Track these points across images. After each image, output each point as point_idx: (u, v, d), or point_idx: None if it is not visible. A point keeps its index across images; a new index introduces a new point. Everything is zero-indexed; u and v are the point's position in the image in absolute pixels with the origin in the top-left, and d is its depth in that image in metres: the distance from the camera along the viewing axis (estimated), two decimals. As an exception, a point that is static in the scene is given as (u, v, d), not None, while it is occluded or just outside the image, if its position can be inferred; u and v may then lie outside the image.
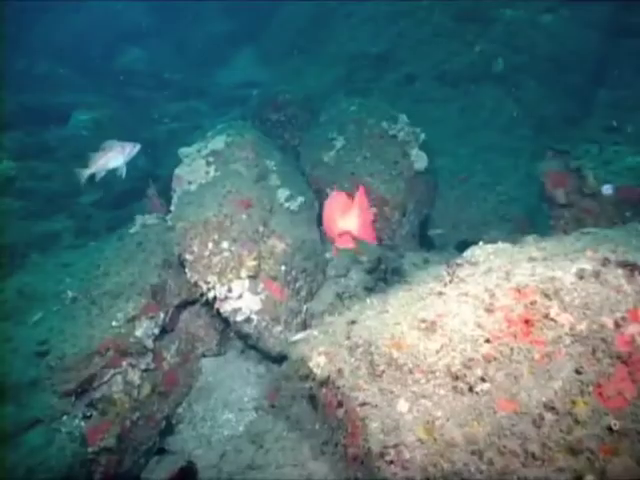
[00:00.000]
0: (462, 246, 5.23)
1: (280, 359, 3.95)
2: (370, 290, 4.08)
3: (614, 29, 8.07)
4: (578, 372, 1.77)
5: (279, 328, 3.75)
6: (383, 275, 4.33)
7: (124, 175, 3.88)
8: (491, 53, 7.68)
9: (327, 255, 4.33)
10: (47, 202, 7.01)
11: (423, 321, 1.97)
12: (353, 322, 2.37)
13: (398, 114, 5.20)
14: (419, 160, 4.85)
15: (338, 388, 2.25)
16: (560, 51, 7.62)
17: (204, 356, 4.38)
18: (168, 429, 3.96)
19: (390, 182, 4.72)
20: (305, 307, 3.95)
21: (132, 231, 4.35)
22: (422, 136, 5.05)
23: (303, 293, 3.95)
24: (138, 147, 3.91)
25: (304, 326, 3.93)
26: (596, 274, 1.91)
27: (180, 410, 4.14)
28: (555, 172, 3.93)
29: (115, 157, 3.81)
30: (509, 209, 5.31)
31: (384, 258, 4.42)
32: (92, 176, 3.90)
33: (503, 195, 5.46)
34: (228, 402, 4.14)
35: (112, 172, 3.88)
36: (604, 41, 7.90)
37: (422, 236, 5.13)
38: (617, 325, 1.77)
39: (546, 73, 7.32)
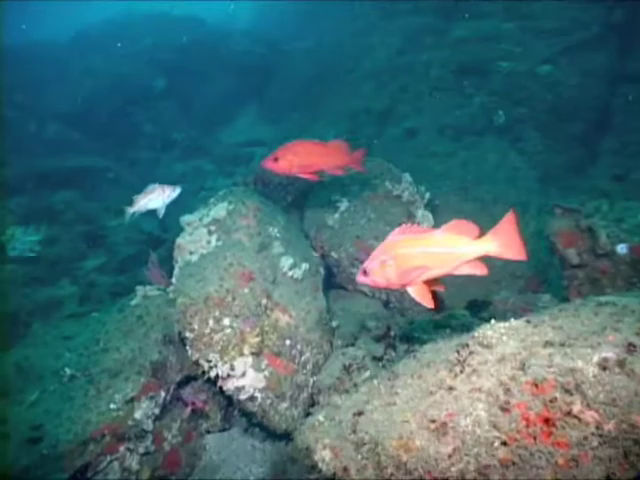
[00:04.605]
0: (472, 306, 5.07)
1: (286, 435, 3.76)
2: (379, 360, 3.91)
3: (614, 76, 8.12)
4: (610, 479, 1.59)
5: (285, 405, 3.57)
6: (392, 342, 4.16)
7: (161, 215, 4.04)
8: (491, 105, 7.73)
9: (334, 324, 4.18)
10: (51, 267, 6.98)
11: (433, 421, 1.81)
12: (359, 413, 2.21)
13: (402, 173, 5.15)
14: (425, 220, 4.76)
15: (345, 488, 2.07)
16: (560, 101, 7.66)
17: (208, 432, 4.19)
18: (169, 515, 3.74)
19: (396, 244, 4.59)
20: (312, 381, 3.77)
21: (133, 303, 4.24)
22: (427, 195, 4.98)
23: (309, 366, 3.78)
24: (178, 190, 4.03)
25: (311, 401, 3.75)
26: (621, 364, 1.75)
27: (183, 492, 3.92)
28: (565, 231, 3.81)
29: (156, 199, 3.98)
30: (519, 266, 5.17)
31: (393, 324, 4.26)
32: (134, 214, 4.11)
33: (512, 251, 5.32)
34: (233, 483, 3.92)
35: (152, 212, 4.08)
36: (604, 88, 7.94)
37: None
38: (649, 425, 1.61)
39: (548, 123, 7.34)
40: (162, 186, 4.02)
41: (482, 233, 2.25)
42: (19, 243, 7.11)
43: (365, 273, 2.34)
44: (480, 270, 2.29)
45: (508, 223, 2.20)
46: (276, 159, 3.59)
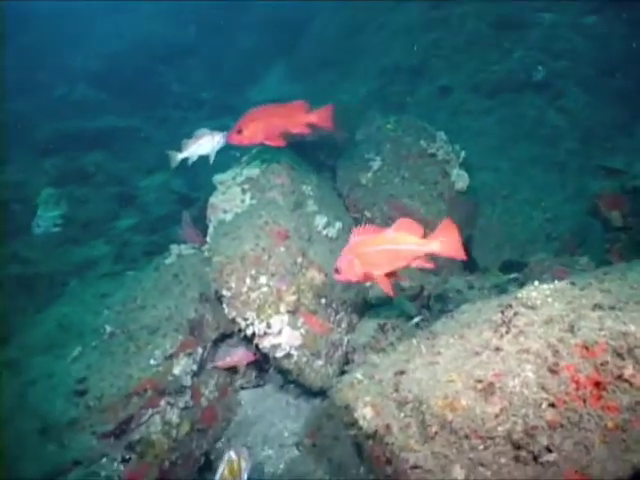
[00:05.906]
0: (506, 267, 5.00)
1: (321, 392, 3.82)
2: (412, 319, 3.91)
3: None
4: (660, 444, 1.57)
5: (320, 362, 3.61)
6: (426, 302, 4.15)
7: (212, 161, 3.97)
8: (530, 60, 7.41)
9: (367, 283, 4.18)
10: (84, 228, 7.08)
11: (479, 381, 1.80)
12: (401, 372, 2.21)
13: (436, 132, 5.02)
14: (460, 180, 4.66)
15: (387, 445, 2.09)
16: (604, 54, 7.28)
17: (242, 388, 4.29)
18: (207, 466, 3.87)
19: (431, 204, 4.54)
20: (346, 339, 3.80)
21: (168, 262, 4.29)
22: (462, 154, 4.85)
23: (344, 325, 3.80)
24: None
25: (345, 359, 3.79)
26: (675, 328, 1.70)
27: (219, 445, 4.05)
28: (610, 193, 3.68)
29: (205, 144, 3.91)
30: (556, 227, 5.05)
31: (426, 284, 4.24)
32: (184, 160, 4.03)
33: (549, 212, 5.20)
34: (268, 437, 4.02)
35: (204, 158, 4.00)
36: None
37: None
38: None
39: (591, 79, 7.00)
40: (212, 132, 3.95)
41: (426, 231, 2.67)
42: (42, 220, 7.21)
43: (337, 271, 2.74)
44: (428, 264, 2.74)
45: (448, 227, 2.63)
46: (239, 131, 3.52)
